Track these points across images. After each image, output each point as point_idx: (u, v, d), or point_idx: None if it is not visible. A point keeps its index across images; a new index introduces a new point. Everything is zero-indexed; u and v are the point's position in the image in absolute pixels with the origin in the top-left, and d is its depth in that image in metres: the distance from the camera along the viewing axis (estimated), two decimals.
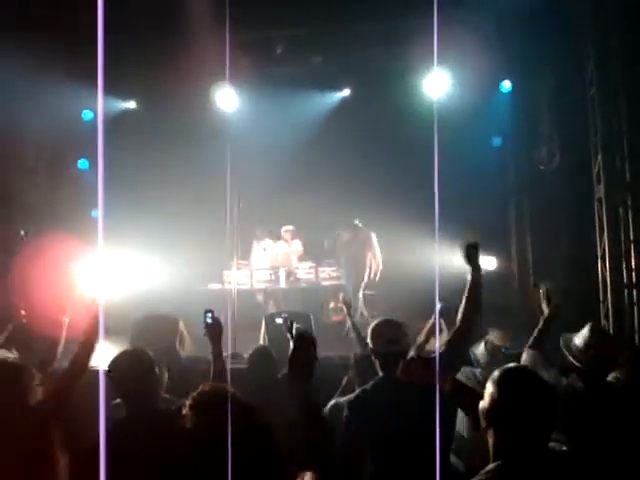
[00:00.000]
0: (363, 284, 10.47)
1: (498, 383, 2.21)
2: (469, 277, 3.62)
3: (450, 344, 3.56)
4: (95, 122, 11.39)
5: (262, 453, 2.42)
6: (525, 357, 3.89)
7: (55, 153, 10.86)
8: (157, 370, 3.41)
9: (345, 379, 4.77)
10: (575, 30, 8.61)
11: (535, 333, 4.04)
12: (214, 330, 3.69)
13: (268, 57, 10.63)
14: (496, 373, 2.25)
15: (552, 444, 2.17)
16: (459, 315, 3.61)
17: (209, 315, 3.72)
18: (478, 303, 3.59)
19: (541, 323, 4.09)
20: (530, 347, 3.96)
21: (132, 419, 3.25)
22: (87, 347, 3.51)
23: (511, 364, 2.29)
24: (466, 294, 3.61)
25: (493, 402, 2.18)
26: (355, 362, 4.70)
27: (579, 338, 3.64)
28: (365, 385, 3.66)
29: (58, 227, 11.13)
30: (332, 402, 4.54)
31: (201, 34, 9.03)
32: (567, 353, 3.64)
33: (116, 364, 3.36)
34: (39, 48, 9.05)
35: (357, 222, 10.88)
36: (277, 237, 11.21)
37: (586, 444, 2.92)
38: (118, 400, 4.39)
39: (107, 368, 3.34)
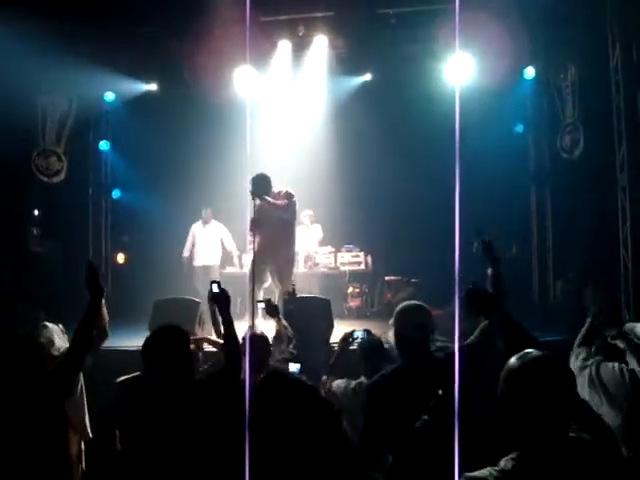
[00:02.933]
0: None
1: (508, 370, 2.20)
2: (489, 270, 3.59)
3: (480, 335, 3.54)
4: (117, 104, 11.44)
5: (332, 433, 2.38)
6: (576, 354, 3.86)
7: (76, 134, 10.89)
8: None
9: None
10: (600, 17, 8.50)
11: (583, 331, 4.01)
12: (222, 299, 3.66)
13: (290, 40, 10.59)
14: (512, 359, 2.23)
15: (574, 433, 2.15)
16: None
17: (215, 285, 3.70)
18: (502, 294, 3.56)
19: (588, 323, 4.05)
20: (580, 345, 3.93)
21: (167, 393, 3.28)
22: (89, 323, 3.56)
23: (529, 350, 2.25)
24: (489, 288, 3.58)
25: (510, 390, 2.16)
26: (361, 348, 4.71)
27: None
28: (384, 371, 3.65)
29: (78, 208, 11.25)
30: (343, 384, 4.55)
31: (222, 16, 9.01)
32: (634, 338, 3.64)
33: (155, 339, 3.41)
34: (63, 29, 9.09)
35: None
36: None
37: None
38: (122, 378, 4.47)
39: (144, 344, 3.40)
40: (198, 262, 10.91)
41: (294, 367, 3.23)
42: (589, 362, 3.69)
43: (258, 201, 7.96)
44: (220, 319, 3.79)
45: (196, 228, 10.99)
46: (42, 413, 3.19)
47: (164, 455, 3.08)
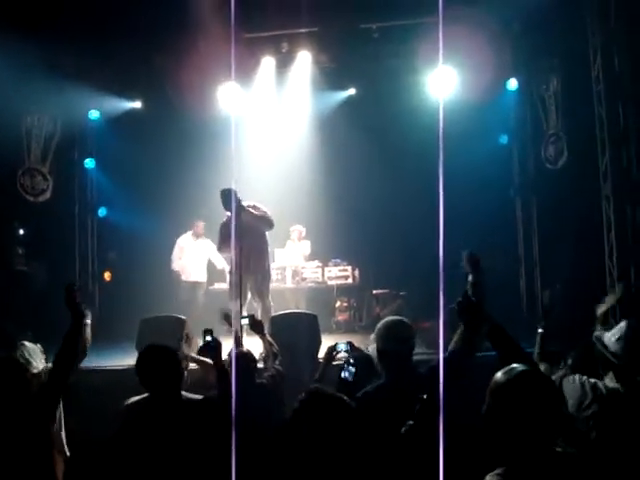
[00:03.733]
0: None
1: (494, 385, 2.20)
2: (470, 278, 3.61)
3: (458, 345, 3.52)
4: (101, 122, 11.43)
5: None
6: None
7: (61, 152, 10.86)
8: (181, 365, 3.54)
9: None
10: (581, 28, 8.58)
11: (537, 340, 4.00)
12: (214, 349, 3.71)
13: (274, 56, 10.62)
14: (498, 374, 2.23)
15: (560, 447, 2.14)
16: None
17: (209, 335, 3.72)
18: (481, 300, 3.56)
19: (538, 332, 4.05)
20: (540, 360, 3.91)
21: (158, 409, 3.32)
22: (71, 344, 3.56)
23: (515, 365, 2.25)
24: (470, 294, 3.58)
25: (496, 405, 2.16)
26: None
27: (615, 334, 3.57)
28: (367, 388, 3.64)
29: (64, 227, 11.19)
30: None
31: (206, 33, 9.03)
32: (602, 349, 3.57)
33: (147, 358, 3.44)
34: (46, 48, 9.08)
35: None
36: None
37: (620, 446, 2.92)
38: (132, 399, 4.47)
39: (137, 362, 3.44)
40: (186, 277, 10.78)
41: (347, 372, 3.24)
42: (553, 378, 3.62)
43: (227, 214, 8.03)
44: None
45: (185, 241, 10.84)
46: (27, 434, 3.18)
47: (152, 469, 3.09)
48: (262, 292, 8.46)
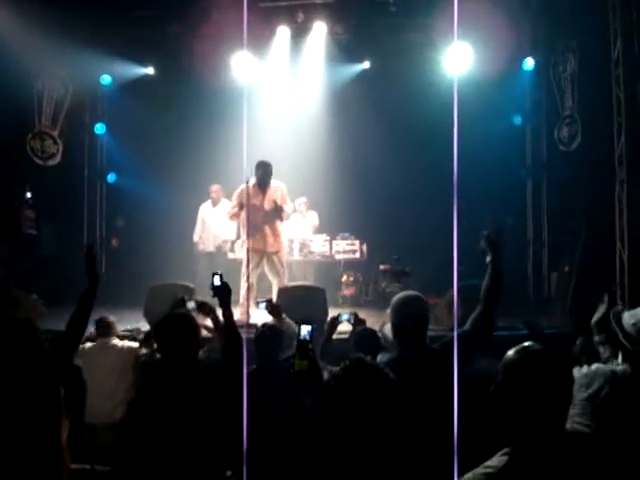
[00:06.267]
0: None
1: (507, 363, 2.18)
2: (488, 258, 3.57)
3: (474, 324, 3.52)
4: (113, 87, 11.37)
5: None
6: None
7: (72, 117, 10.82)
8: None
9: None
10: (602, 10, 8.44)
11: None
12: (223, 292, 3.62)
13: (289, 26, 10.52)
14: (510, 352, 2.21)
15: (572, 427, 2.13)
16: (481, 295, 3.55)
17: (217, 277, 3.64)
18: (498, 284, 3.54)
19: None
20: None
21: (173, 376, 3.31)
22: (85, 309, 3.56)
23: (527, 343, 2.23)
24: (487, 275, 3.56)
25: (507, 383, 2.14)
26: (354, 337, 4.68)
27: (634, 316, 3.53)
28: (378, 360, 3.63)
29: (73, 191, 11.20)
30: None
31: (221, 1, 8.95)
32: (617, 327, 3.54)
33: (166, 325, 3.44)
34: (60, 12, 9.02)
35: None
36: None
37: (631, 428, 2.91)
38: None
39: (155, 329, 3.49)
40: (206, 247, 10.59)
41: (305, 329, 3.20)
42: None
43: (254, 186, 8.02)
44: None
45: (204, 210, 10.62)
46: (39, 398, 3.19)
47: (166, 437, 3.09)
48: (279, 272, 8.43)
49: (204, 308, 4.64)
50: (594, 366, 3.45)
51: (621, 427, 3.09)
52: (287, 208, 8.38)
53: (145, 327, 6.75)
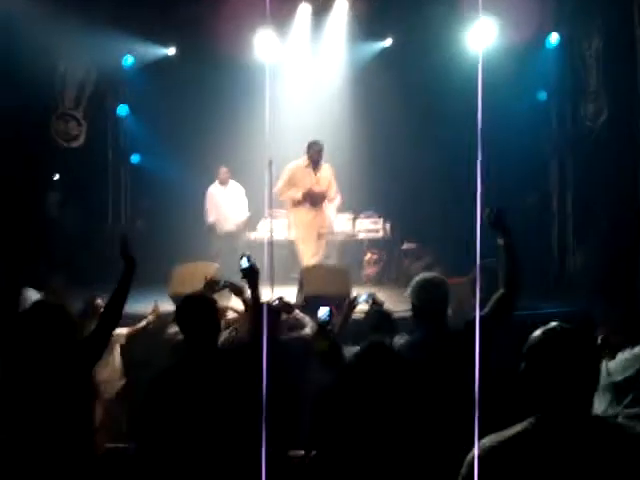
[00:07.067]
0: None
1: (533, 343, 2.17)
2: (500, 242, 3.54)
3: (496, 305, 3.50)
4: (135, 68, 11.39)
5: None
6: None
7: (94, 98, 10.85)
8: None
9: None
10: None
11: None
12: (252, 274, 3.64)
13: (311, 3, 10.45)
14: (536, 332, 2.19)
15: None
16: (502, 278, 3.53)
17: (244, 259, 3.64)
18: (517, 267, 3.51)
19: None
20: None
21: (194, 357, 3.35)
22: (122, 293, 3.58)
23: (553, 323, 2.22)
24: (503, 260, 3.53)
25: (533, 363, 2.13)
26: (369, 318, 4.67)
27: None
28: (400, 343, 3.62)
29: (97, 173, 11.26)
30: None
31: None
32: None
33: (185, 307, 3.44)
34: None
35: None
36: None
37: None
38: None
39: (177, 310, 3.49)
40: (220, 228, 10.51)
41: (323, 311, 3.22)
42: None
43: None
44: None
45: (214, 190, 10.60)
46: (72, 382, 3.25)
47: (188, 420, 3.13)
48: (322, 253, 8.62)
49: (234, 288, 4.62)
50: (637, 348, 3.46)
51: None
52: (331, 192, 8.46)
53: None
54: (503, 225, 3.53)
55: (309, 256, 8.41)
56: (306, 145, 8.56)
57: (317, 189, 8.32)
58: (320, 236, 8.53)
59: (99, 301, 5.87)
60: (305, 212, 8.48)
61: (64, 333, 3.31)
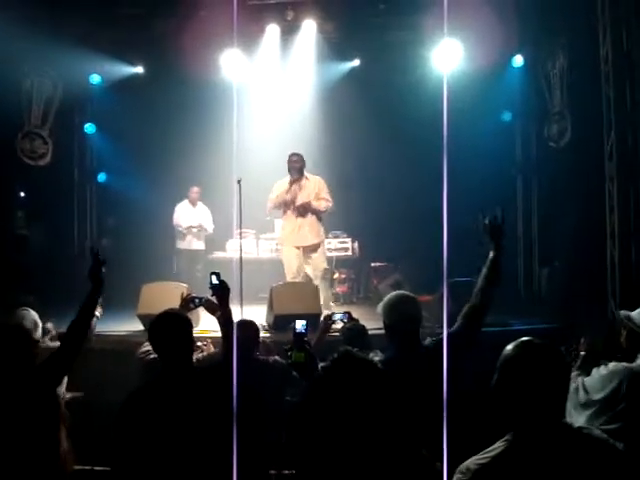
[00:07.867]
0: None
1: (506, 357, 2.19)
2: (491, 254, 3.56)
3: (467, 320, 3.51)
4: (103, 86, 11.32)
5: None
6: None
7: (61, 116, 10.76)
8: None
9: None
10: (591, 6, 8.46)
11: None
12: (222, 291, 3.61)
13: (279, 24, 10.49)
14: (508, 347, 2.22)
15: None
16: (477, 291, 3.54)
17: (214, 276, 3.62)
18: (497, 280, 3.54)
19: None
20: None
21: (169, 376, 3.26)
22: (86, 313, 3.51)
23: (525, 338, 2.25)
24: (486, 271, 3.55)
25: (505, 377, 2.17)
26: (346, 333, 4.68)
27: None
28: (376, 358, 3.62)
29: (63, 191, 11.15)
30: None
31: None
32: (635, 327, 3.57)
33: (159, 324, 3.33)
34: (48, 11, 8.98)
35: None
36: None
37: None
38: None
39: (150, 328, 3.35)
40: (184, 245, 10.66)
41: (300, 324, 3.22)
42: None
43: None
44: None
45: (182, 209, 10.71)
46: (35, 404, 3.18)
47: (165, 441, 3.05)
48: (318, 266, 8.54)
49: (211, 305, 4.57)
50: (611, 365, 3.49)
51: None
52: (318, 204, 8.47)
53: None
54: (500, 236, 3.55)
55: (290, 276, 8.36)
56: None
57: (301, 200, 8.28)
58: (310, 250, 8.50)
59: (48, 325, 5.76)
60: (292, 222, 8.43)
61: (22, 355, 3.25)
